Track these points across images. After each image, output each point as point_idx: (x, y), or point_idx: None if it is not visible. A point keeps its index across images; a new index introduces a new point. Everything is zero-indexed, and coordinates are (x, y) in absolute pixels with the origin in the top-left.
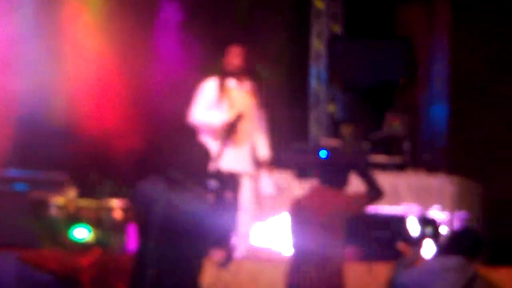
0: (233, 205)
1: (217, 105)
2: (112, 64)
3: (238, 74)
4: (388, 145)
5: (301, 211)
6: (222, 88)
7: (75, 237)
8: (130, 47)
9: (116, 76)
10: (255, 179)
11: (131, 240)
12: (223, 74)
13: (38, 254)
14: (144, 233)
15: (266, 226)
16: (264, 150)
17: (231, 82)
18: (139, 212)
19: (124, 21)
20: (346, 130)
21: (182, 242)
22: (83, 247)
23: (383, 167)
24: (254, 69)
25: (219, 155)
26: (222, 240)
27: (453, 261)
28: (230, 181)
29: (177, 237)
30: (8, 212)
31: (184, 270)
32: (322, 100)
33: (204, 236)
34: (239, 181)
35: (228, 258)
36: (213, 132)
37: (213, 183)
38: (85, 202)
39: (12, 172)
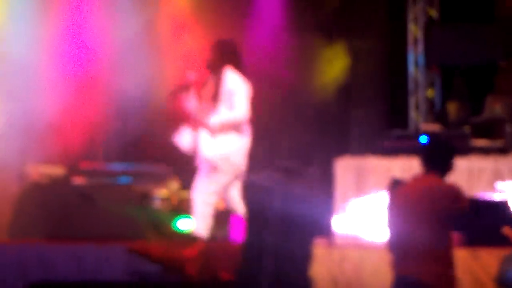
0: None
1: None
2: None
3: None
4: (489, 129)
5: (404, 199)
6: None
7: (179, 228)
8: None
9: None
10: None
11: (234, 230)
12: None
13: (144, 245)
14: (258, 223)
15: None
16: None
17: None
18: (254, 203)
19: (219, 12)
20: (452, 106)
21: (299, 230)
22: (188, 238)
23: (485, 151)
24: (218, 63)
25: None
26: (326, 227)
27: None
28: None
29: (294, 225)
30: (113, 205)
31: (300, 258)
32: (421, 85)
33: (316, 223)
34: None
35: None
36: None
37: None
38: (187, 194)
39: (116, 165)
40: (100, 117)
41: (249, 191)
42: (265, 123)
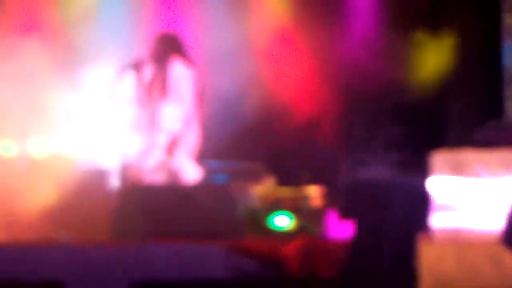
0: None
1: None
2: (305, 49)
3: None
4: None
5: None
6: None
7: (276, 225)
8: (322, 30)
9: (311, 62)
10: None
11: (331, 226)
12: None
13: (244, 243)
14: (375, 220)
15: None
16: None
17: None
18: (370, 200)
19: (316, 12)
20: None
21: (416, 226)
22: (286, 235)
23: None
24: (164, 54)
25: None
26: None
27: None
28: None
29: (413, 220)
30: (210, 204)
31: (412, 254)
32: None
33: (426, 218)
34: None
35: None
36: None
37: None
38: (283, 191)
39: (212, 164)
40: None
41: (364, 187)
42: (361, 117)
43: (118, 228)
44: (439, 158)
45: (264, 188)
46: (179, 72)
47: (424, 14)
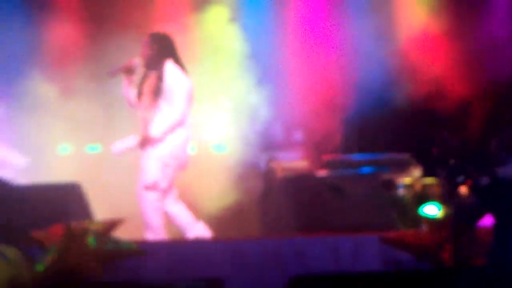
0: None
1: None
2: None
3: (146, 62)
4: None
5: None
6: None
7: (426, 214)
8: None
9: (457, 53)
10: None
11: None
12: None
13: (397, 234)
14: None
15: None
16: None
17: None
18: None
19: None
20: None
21: None
22: (436, 224)
23: None
24: (158, 57)
25: None
26: None
27: None
28: None
29: None
30: (360, 195)
31: None
32: None
33: None
34: None
35: None
36: None
37: None
38: (429, 180)
39: (358, 156)
40: (338, 110)
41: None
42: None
43: (268, 222)
44: None
45: (410, 178)
46: (172, 76)
47: None
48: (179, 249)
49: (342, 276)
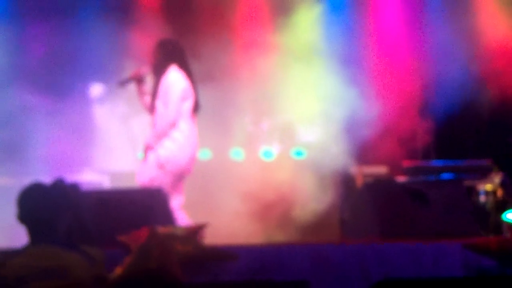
0: None
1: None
2: None
3: (152, 69)
4: None
5: None
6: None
7: (509, 220)
8: None
9: None
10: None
11: None
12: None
13: (479, 240)
14: None
15: None
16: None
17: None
18: None
19: None
20: None
21: None
22: None
23: None
24: (164, 62)
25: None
26: None
27: None
28: None
29: None
30: (441, 202)
31: None
32: None
33: None
34: None
35: None
36: None
37: None
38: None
39: (438, 162)
40: (419, 115)
41: None
42: None
43: (352, 226)
44: None
45: (491, 184)
46: (169, 79)
47: None
48: (261, 252)
49: (425, 281)
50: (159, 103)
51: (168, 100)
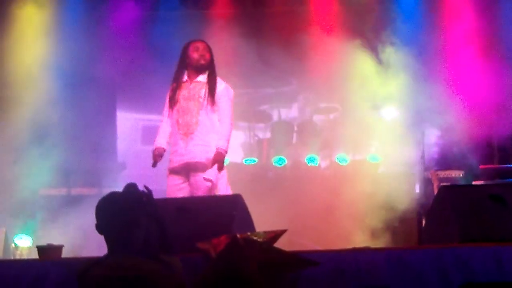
0: None
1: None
2: None
3: (203, 66)
4: None
5: None
6: (179, 81)
7: None
8: None
9: None
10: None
11: None
12: (182, 66)
13: None
14: None
15: None
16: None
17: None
18: None
19: None
20: None
21: None
22: None
23: None
24: (212, 65)
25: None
26: None
27: None
28: None
29: None
30: None
31: None
32: None
33: None
34: None
35: None
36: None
37: None
38: None
39: None
40: (496, 120)
41: None
42: None
43: (430, 230)
44: None
45: None
46: (221, 84)
47: None
48: (341, 258)
49: (507, 285)
50: (211, 107)
51: (224, 108)
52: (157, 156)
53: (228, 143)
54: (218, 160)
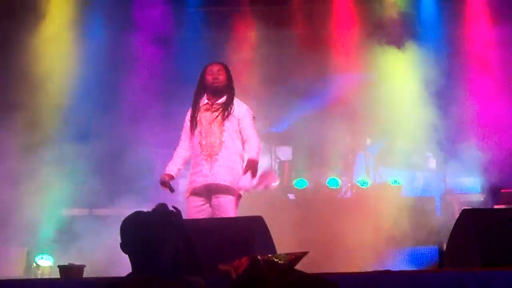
0: None
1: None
2: None
3: (217, 89)
4: None
5: None
6: (196, 105)
7: None
8: None
9: None
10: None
11: None
12: (200, 90)
13: None
14: None
15: None
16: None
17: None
18: None
19: None
20: None
21: None
22: None
23: None
24: (230, 85)
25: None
26: None
27: None
28: None
29: None
30: None
31: None
32: None
33: None
34: None
35: None
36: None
37: None
38: None
39: None
40: None
41: None
42: None
43: (452, 253)
44: None
45: None
46: (240, 106)
47: None
48: (361, 281)
49: None
50: (230, 129)
51: (246, 128)
52: (160, 182)
53: (258, 155)
54: (252, 167)
